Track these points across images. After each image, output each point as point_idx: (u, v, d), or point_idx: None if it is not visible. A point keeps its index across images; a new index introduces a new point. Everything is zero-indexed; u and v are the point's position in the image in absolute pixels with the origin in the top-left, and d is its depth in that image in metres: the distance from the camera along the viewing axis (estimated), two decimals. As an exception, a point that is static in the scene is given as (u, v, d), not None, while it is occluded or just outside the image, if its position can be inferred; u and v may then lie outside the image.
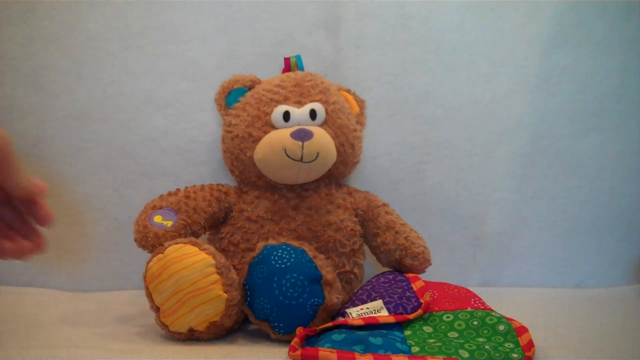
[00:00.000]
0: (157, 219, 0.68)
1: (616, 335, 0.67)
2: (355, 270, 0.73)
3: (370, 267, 0.80)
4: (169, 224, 0.68)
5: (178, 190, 0.72)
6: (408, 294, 0.65)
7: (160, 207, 0.69)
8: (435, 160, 0.90)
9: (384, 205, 0.76)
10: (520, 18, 0.90)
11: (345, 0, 0.89)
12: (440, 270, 0.76)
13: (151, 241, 0.66)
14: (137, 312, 0.74)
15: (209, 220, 0.72)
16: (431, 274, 0.72)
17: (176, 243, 0.62)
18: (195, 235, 0.71)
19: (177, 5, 0.87)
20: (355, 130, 0.76)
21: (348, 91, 0.81)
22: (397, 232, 0.72)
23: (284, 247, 0.62)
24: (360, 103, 0.81)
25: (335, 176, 0.75)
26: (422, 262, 0.71)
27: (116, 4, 0.86)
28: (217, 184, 0.75)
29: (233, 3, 0.88)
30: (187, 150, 0.87)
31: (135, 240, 0.68)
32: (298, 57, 0.78)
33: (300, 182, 0.71)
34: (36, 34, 0.85)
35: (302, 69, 0.79)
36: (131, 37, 0.86)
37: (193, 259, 0.60)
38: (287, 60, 0.79)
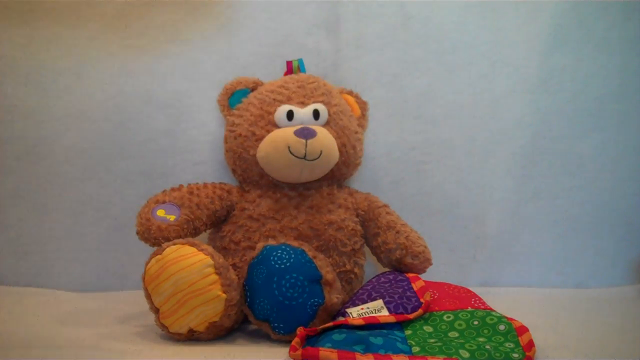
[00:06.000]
0: (160, 212, 0.68)
1: (616, 335, 0.67)
2: (356, 270, 0.73)
3: (371, 267, 0.80)
4: (172, 218, 0.68)
5: (181, 186, 0.73)
6: (408, 293, 0.65)
7: (164, 202, 0.69)
8: (435, 160, 0.90)
9: (385, 206, 0.76)
10: (520, 18, 0.90)
11: (345, 0, 0.89)
12: (440, 270, 0.76)
13: (154, 234, 0.66)
14: (137, 312, 0.74)
15: (211, 218, 0.72)
16: (431, 274, 0.72)
17: (174, 244, 0.61)
18: (197, 231, 0.71)
19: (177, 5, 0.87)
20: (356, 132, 0.76)
21: (350, 93, 0.81)
22: (397, 232, 0.72)
23: (283, 247, 0.62)
24: (363, 105, 0.81)
25: (338, 177, 0.75)
26: (423, 262, 0.70)
27: (116, 4, 0.86)
28: (220, 182, 0.75)
29: (233, 3, 0.88)
30: (187, 150, 0.87)
31: (138, 233, 0.67)
32: (300, 61, 0.79)
33: (303, 180, 0.71)
34: (36, 34, 0.85)
35: (304, 72, 0.79)
36: (131, 37, 0.86)
37: (191, 260, 0.60)
38: (289, 63, 0.79)
